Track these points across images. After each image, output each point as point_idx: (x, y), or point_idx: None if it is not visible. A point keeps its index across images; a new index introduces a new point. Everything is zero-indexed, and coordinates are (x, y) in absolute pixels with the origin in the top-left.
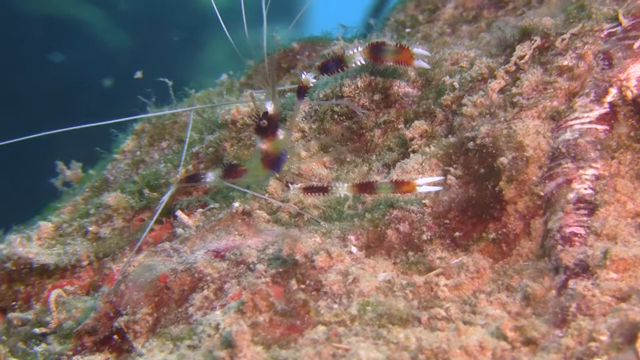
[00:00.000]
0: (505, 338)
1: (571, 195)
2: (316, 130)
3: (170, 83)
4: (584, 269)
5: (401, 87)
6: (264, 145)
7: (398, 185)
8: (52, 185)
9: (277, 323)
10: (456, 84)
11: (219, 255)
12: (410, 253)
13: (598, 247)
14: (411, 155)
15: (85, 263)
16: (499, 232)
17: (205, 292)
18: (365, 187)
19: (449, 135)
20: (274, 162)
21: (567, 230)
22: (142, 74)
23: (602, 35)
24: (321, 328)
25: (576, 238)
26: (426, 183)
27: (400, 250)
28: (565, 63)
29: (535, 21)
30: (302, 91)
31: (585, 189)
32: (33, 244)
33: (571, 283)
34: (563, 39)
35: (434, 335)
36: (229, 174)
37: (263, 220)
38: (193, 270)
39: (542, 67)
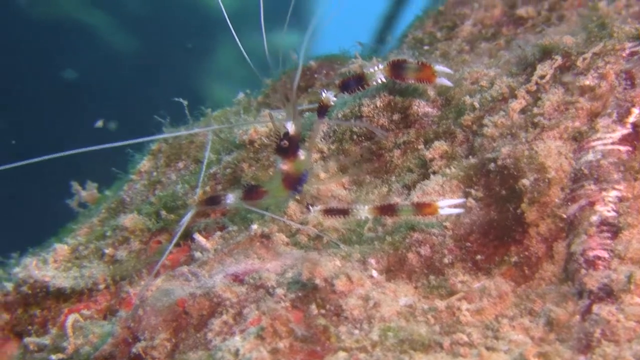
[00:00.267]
0: None
1: (594, 218)
2: (335, 150)
3: (185, 103)
4: (608, 294)
5: (421, 107)
6: (284, 166)
7: (419, 207)
8: (68, 205)
9: (298, 349)
10: (476, 104)
11: (237, 279)
12: (432, 277)
13: (622, 271)
14: (431, 176)
15: (102, 286)
16: (521, 255)
17: (224, 317)
18: (387, 209)
19: (470, 156)
20: (295, 183)
21: (591, 253)
22: (102, 122)
23: (624, 55)
24: (342, 354)
25: (600, 261)
26: (448, 205)
27: (422, 274)
28: (587, 83)
29: (556, 40)
30: (323, 110)
31: (609, 211)
32: (49, 267)
33: (595, 308)
34: (584, 59)
35: None
36: (249, 195)
37: (282, 243)
38: (212, 295)
39: (563, 87)
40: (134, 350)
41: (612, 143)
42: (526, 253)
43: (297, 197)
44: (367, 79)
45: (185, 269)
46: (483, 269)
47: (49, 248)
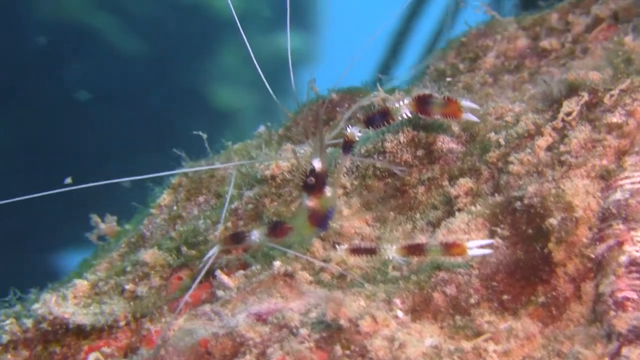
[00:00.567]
0: None
1: (623, 258)
2: (358, 186)
3: (205, 136)
4: (637, 336)
5: (445, 143)
6: (311, 203)
7: (448, 247)
8: (87, 239)
9: None
10: (502, 141)
11: (260, 318)
12: (458, 317)
13: None
14: (456, 214)
15: (122, 323)
16: (549, 295)
17: (248, 357)
18: (415, 249)
19: (495, 194)
20: (321, 220)
21: (620, 294)
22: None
23: None
24: None
25: (629, 303)
26: (477, 246)
27: (447, 314)
28: (614, 120)
29: (582, 75)
30: (348, 146)
31: (637, 251)
32: (69, 303)
33: (624, 351)
34: (612, 95)
35: None
36: (274, 232)
37: (305, 281)
38: (235, 335)
39: (590, 124)
40: None
41: None
42: (554, 293)
43: (322, 234)
44: (392, 113)
45: (207, 307)
46: (510, 309)
47: (68, 284)
